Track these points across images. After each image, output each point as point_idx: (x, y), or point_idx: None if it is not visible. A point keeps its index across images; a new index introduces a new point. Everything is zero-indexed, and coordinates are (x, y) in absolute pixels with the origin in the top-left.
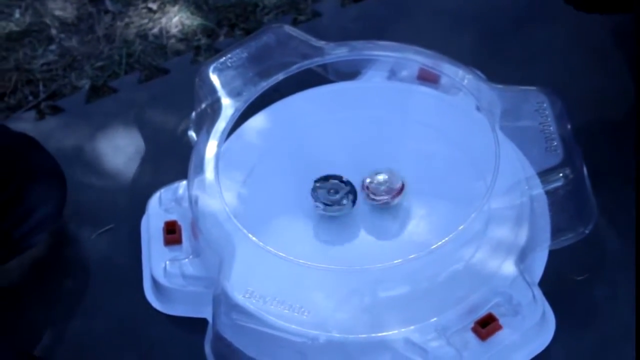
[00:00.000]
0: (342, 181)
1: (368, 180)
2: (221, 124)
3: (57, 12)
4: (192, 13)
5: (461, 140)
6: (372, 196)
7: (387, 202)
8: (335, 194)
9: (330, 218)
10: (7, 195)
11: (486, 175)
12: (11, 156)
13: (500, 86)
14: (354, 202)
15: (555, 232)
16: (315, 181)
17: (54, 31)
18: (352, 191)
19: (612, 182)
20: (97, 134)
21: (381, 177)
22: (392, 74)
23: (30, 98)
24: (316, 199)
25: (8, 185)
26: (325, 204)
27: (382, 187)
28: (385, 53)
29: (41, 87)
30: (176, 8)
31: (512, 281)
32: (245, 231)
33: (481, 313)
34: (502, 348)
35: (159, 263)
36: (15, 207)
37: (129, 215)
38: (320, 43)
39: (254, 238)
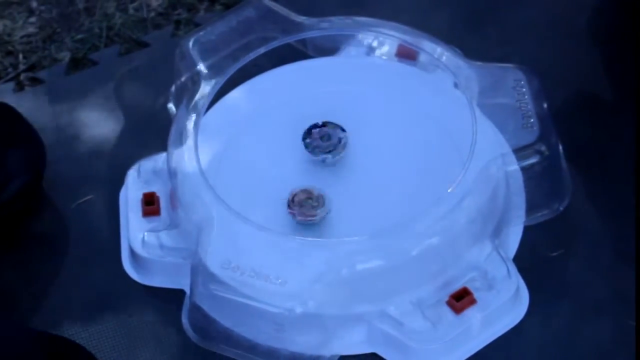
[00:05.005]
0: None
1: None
2: (200, 98)
3: None
4: None
5: (438, 117)
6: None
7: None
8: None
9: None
10: None
11: (462, 151)
12: None
13: (478, 63)
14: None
15: (530, 208)
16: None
17: (34, 3)
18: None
19: (587, 159)
20: (76, 106)
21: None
22: (371, 50)
23: (10, 70)
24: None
25: None
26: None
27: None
28: (364, 29)
29: (21, 59)
30: None
31: (487, 256)
32: (224, 201)
33: (456, 287)
34: (476, 322)
35: (137, 234)
36: None
37: (107, 186)
38: (301, 18)
39: (232, 208)
